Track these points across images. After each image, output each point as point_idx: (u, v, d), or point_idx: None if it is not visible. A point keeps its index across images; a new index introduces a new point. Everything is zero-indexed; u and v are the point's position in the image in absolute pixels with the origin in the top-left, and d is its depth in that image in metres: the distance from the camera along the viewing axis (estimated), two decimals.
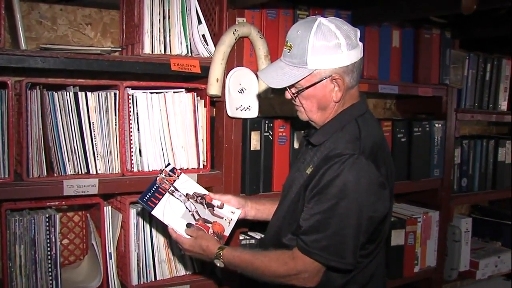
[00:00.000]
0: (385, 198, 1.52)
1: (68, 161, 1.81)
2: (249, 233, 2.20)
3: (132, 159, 1.92)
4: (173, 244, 2.02)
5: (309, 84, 1.52)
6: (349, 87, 1.55)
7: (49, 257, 1.84)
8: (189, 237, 1.67)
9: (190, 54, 2.01)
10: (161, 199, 1.71)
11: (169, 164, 1.80)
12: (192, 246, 1.65)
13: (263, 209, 1.82)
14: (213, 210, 1.78)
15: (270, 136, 2.17)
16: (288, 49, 1.53)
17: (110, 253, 1.93)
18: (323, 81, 1.51)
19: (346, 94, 1.55)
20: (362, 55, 1.55)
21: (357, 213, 1.45)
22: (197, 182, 1.96)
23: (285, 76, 1.53)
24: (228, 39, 1.96)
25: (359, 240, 1.48)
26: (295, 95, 1.57)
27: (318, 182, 1.48)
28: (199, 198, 1.78)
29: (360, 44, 1.54)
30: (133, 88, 1.93)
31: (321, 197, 1.47)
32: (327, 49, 1.47)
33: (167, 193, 1.73)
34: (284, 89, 1.59)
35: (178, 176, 1.77)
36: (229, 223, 1.78)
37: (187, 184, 1.78)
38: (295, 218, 1.57)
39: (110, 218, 1.95)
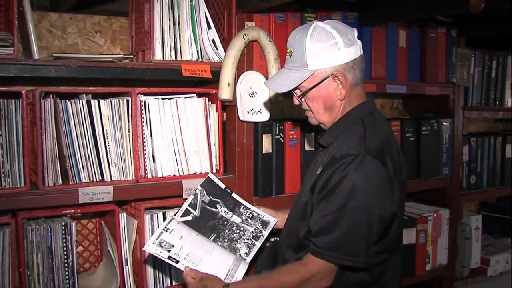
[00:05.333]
0: (394, 195, 1.52)
1: (83, 169, 1.83)
2: None
3: (146, 165, 1.93)
4: None
5: (312, 85, 1.55)
6: (353, 84, 1.56)
7: (66, 265, 1.85)
8: (193, 279, 1.61)
9: (200, 59, 2.02)
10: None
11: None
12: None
13: None
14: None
15: (281, 139, 2.18)
16: (289, 54, 1.57)
17: (126, 259, 1.94)
18: (326, 81, 1.54)
19: (351, 92, 1.57)
20: (362, 52, 1.57)
21: (367, 211, 1.46)
22: None
23: (288, 80, 1.56)
24: (238, 43, 1.97)
25: (372, 239, 1.49)
26: (301, 98, 1.59)
27: (325, 184, 1.50)
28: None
29: (359, 41, 1.56)
30: (145, 94, 1.94)
31: (330, 198, 1.48)
32: (325, 49, 1.50)
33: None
34: (292, 94, 1.61)
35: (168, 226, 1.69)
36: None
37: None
38: (305, 221, 1.59)
39: (125, 225, 1.96)
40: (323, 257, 1.48)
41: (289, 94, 1.62)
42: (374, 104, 1.66)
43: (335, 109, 1.59)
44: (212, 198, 1.80)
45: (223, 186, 1.83)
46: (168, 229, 1.65)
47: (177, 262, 1.61)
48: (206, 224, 1.76)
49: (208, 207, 1.79)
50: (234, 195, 1.84)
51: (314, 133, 2.25)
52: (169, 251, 1.61)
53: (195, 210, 1.77)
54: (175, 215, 1.76)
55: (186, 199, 1.82)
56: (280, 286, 1.53)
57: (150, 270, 1.97)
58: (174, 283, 2.02)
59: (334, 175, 1.48)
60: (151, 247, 1.60)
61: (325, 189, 1.49)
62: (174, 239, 1.63)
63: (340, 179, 1.46)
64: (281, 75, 1.59)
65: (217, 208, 1.80)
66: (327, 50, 1.50)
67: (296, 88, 1.57)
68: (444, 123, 2.80)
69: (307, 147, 2.25)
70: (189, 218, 1.75)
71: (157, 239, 1.62)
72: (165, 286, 2.00)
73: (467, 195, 3.02)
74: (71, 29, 2.13)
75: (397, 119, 2.68)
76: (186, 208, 1.76)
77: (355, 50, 1.54)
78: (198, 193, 1.79)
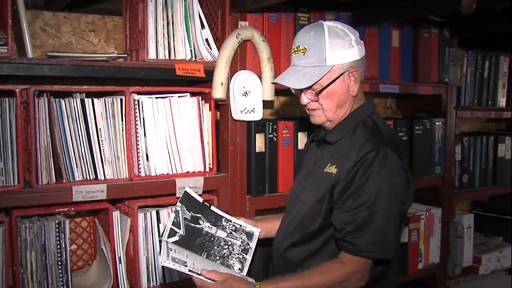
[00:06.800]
0: (409, 189, 1.57)
1: (77, 167, 1.83)
2: None
3: (140, 164, 1.94)
4: None
5: (329, 82, 1.56)
6: (361, 81, 1.61)
7: (59, 263, 1.86)
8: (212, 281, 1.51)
9: (194, 59, 2.03)
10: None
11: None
12: None
13: (271, 227, 1.81)
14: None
15: (274, 138, 2.19)
16: (303, 52, 1.57)
17: (119, 258, 1.95)
18: (341, 76, 1.56)
19: (359, 90, 1.61)
20: (364, 52, 1.62)
21: (394, 205, 1.50)
22: (203, 185, 2.00)
23: (307, 76, 1.56)
24: (231, 43, 1.98)
25: (396, 232, 1.54)
26: (317, 95, 1.58)
27: (350, 182, 1.51)
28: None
29: (361, 41, 1.62)
30: (139, 93, 1.95)
31: (358, 195, 1.49)
32: (343, 45, 1.54)
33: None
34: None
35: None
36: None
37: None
38: (316, 219, 1.60)
39: (119, 223, 1.97)
40: (361, 255, 1.49)
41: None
42: (375, 105, 1.70)
43: (345, 106, 1.61)
44: (193, 214, 1.71)
45: (201, 200, 1.75)
46: (171, 249, 1.57)
47: (199, 274, 1.52)
48: (194, 243, 1.68)
49: (192, 224, 1.70)
50: (213, 208, 1.76)
51: (307, 132, 2.27)
52: (185, 266, 1.54)
53: (179, 229, 1.67)
54: (161, 236, 1.68)
55: (179, 197, 1.81)
56: (322, 285, 1.50)
57: (143, 268, 1.98)
58: (167, 281, 2.03)
59: (359, 172, 1.50)
60: (167, 263, 1.50)
61: (351, 187, 1.51)
62: (183, 257, 1.57)
63: (368, 176, 1.48)
64: (295, 72, 1.59)
65: (200, 224, 1.72)
66: (344, 46, 1.54)
67: (310, 87, 1.57)
68: (436, 123, 2.82)
69: (300, 146, 2.26)
70: (176, 238, 1.66)
71: (168, 257, 1.53)
72: (158, 284, 2.01)
73: (460, 194, 3.04)
74: (65, 28, 2.13)
75: (390, 119, 2.69)
76: (171, 228, 1.66)
77: (362, 48, 1.60)
78: (178, 210, 1.69)
